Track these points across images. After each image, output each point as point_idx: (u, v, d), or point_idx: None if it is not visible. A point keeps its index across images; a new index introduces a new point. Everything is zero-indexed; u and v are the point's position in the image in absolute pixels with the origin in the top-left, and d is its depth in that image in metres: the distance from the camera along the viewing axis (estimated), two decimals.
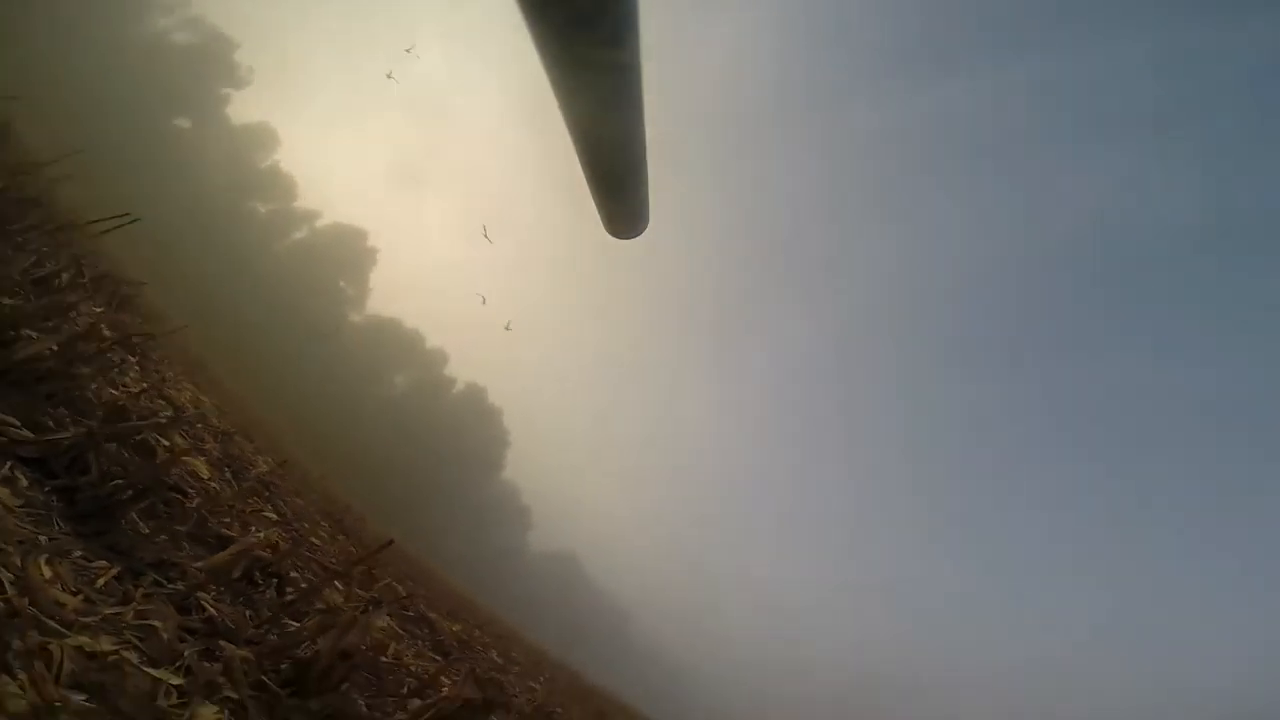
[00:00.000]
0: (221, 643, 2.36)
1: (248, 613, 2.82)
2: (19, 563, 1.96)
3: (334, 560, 5.32)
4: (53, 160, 7.32)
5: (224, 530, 3.45)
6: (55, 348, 3.30)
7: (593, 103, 0.94)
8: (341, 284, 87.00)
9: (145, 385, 4.83)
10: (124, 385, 4.38)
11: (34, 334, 3.41)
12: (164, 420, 3.80)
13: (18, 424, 2.76)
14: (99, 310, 5.93)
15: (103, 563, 2.36)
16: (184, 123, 71.93)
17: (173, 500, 3.28)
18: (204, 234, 61.51)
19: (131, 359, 5.42)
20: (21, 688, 1.54)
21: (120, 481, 2.76)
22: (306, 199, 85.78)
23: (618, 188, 1.22)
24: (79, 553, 2.32)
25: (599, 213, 1.34)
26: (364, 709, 2.76)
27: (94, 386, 3.61)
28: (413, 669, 4.15)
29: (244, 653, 2.38)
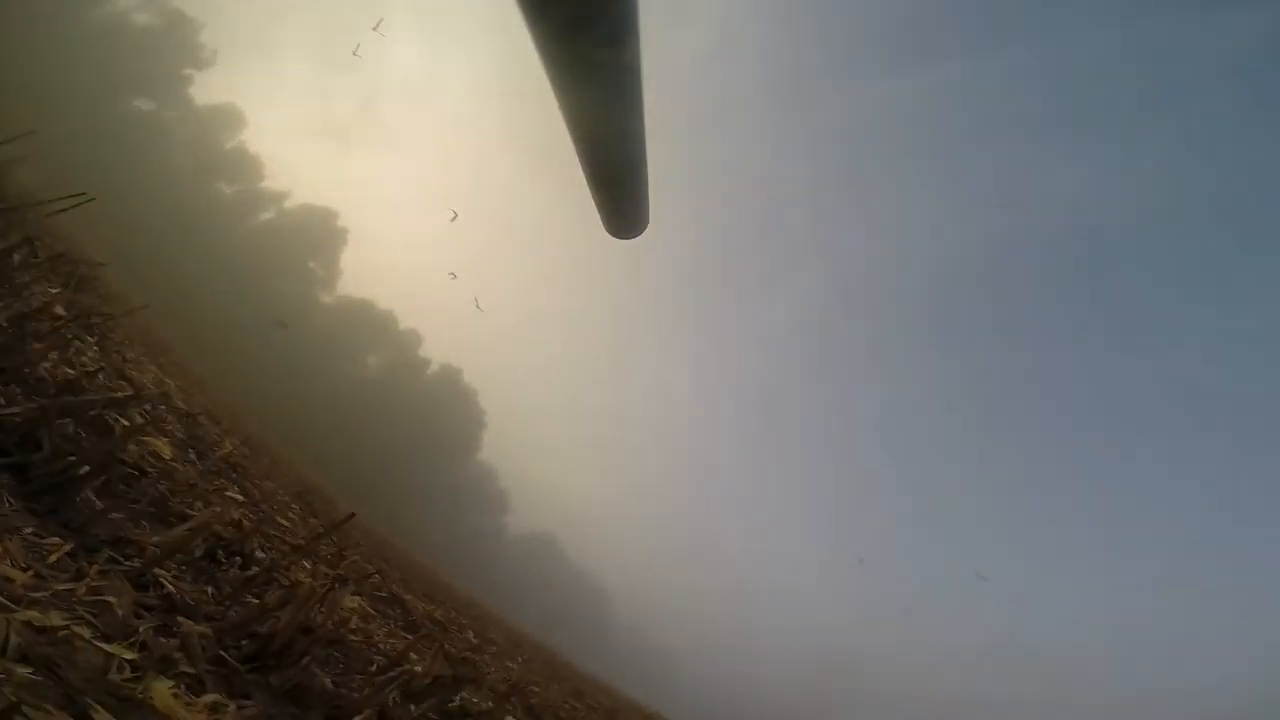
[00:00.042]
0: (179, 618, 2.34)
1: (209, 590, 2.80)
2: None
3: (300, 539, 5.28)
4: (4, 141, 7.07)
5: (186, 510, 3.41)
6: (4, 324, 3.22)
7: (593, 103, 0.96)
8: (311, 265, 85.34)
9: (103, 365, 4.73)
10: (81, 364, 4.28)
11: None
12: (120, 398, 3.73)
13: None
14: (54, 291, 5.78)
15: (55, 539, 2.32)
16: (147, 104, 69.90)
17: (131, 478, 3.23)
18: (170, 216, 60.17)
19: (90, 339, 5.30)
20: None
21: (74, 458, 2.71)
22: (275, 180, 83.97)
23: (618, 188, 1.24)
24: (30, 529, 2.29)
25: (599, 213, 1.35)
26: (328, 684, 2.76)
27: (48, 365, 3.53)
28: (382, 646, 4.15)
29: (202, 628, 2.36)
